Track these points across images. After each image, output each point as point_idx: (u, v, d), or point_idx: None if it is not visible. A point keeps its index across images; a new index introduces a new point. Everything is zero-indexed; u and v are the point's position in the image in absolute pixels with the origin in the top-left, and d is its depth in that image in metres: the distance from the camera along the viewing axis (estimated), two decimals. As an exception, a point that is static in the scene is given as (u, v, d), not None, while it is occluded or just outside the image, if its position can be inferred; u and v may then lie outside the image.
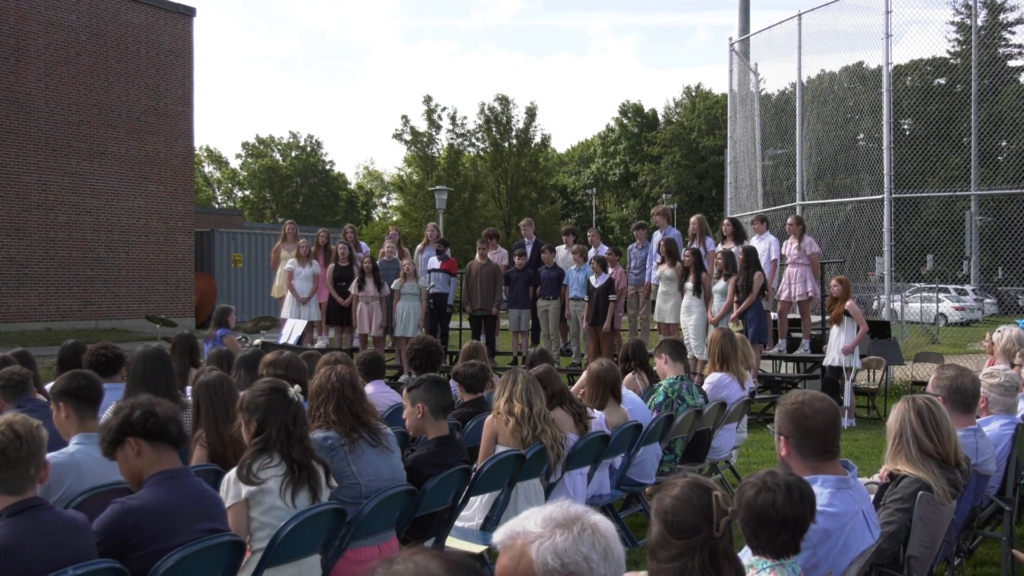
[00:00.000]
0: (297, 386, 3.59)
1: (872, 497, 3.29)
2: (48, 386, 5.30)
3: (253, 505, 3.29)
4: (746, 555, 2.64)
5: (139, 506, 2.92)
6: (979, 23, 19.87)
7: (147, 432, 3.05)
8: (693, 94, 60.92)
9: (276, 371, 4.95)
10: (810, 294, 10.90)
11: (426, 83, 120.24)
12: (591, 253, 12.20)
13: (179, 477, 3.08)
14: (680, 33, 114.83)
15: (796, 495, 2.44)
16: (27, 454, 2.72)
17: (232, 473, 3.34)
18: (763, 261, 10.70)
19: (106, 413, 3.50)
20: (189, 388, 5.11)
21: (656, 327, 11.52)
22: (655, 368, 6.60)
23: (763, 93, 17.52)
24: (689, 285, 10.71)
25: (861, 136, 17.17)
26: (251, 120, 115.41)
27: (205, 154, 66.55)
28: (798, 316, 11.48)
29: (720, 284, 10.51)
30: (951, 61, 21.92)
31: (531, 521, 1.66)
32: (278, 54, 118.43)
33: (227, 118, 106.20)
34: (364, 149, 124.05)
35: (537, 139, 49.79)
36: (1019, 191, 15.33)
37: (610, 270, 11.65)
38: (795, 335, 11.49)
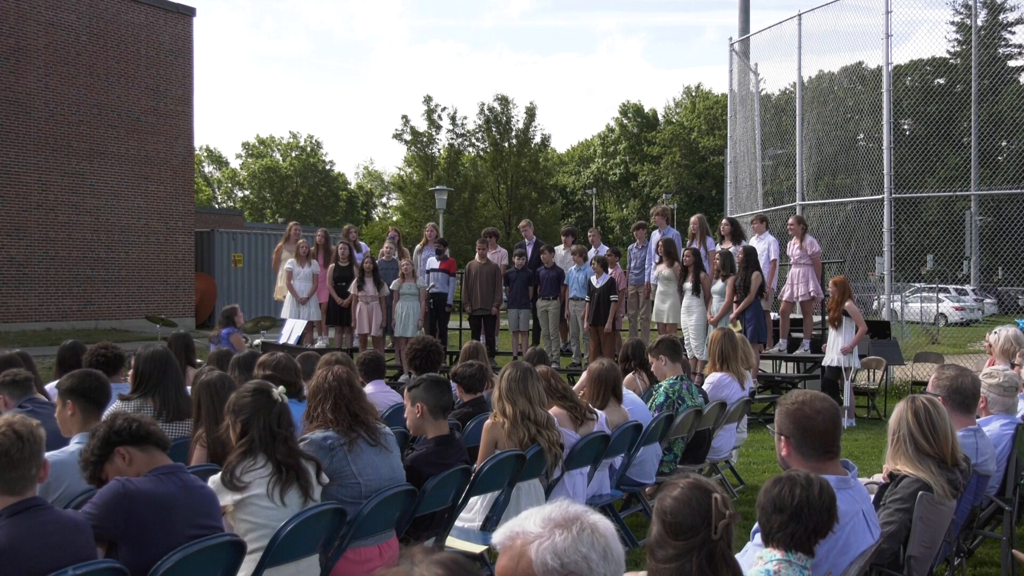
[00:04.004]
0: (281, 387, 3.58)
1: (872, 497, 3.29)
2: (49, 385, 5.30)
3: (240, 508, 3.28)
4: (750, 553, 2.65)
5: (138, 491, 2.92)
6: (979, 23, 19.89)
7: (134, 437, 3.04)
8: (693, 94, 60.93)
9: (266, 372, 4.96)
10: (813, 294, 10.90)
11: (431, 83, 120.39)
12: (591, 253, 12.20)
13: (175, 473, 3.08)
14: (688, 33, 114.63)
15: (816, 489, 2.54)
16: (29, 455, 2.72)
17: (216, 478, 3.32)
18: (763, 261, 10.70)
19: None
20: (187, 388, 5.11)
21: (656, 327, 11.52)
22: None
23: (763, 93, 17.51)
24: (688, 285, 10.70)
25: (861, 136, 17.15)
26: (251, 120, 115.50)
27: (205, 154, 66.57)
28: (800, 316, 11.47)
29: (718, 284, 10.51)
30: (951, 61, 21.90)
31: (530, 521, 1.66)
32: (284, 53, 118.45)
33: (227, 118, 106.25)
34: (364, 149, 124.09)
35: (537, 139, 49.80)
36: (1019, 191, 15.33)
37: (610, 270, 11.65)
38: (796, 335, 11.49)
